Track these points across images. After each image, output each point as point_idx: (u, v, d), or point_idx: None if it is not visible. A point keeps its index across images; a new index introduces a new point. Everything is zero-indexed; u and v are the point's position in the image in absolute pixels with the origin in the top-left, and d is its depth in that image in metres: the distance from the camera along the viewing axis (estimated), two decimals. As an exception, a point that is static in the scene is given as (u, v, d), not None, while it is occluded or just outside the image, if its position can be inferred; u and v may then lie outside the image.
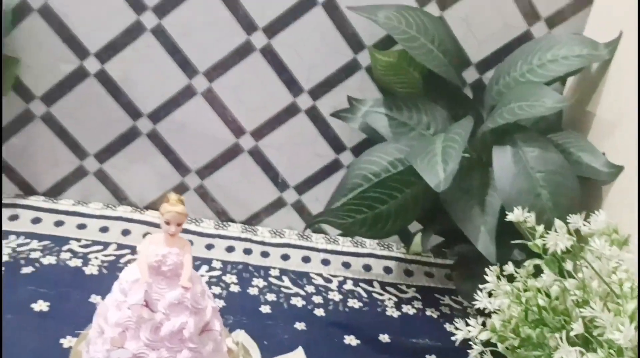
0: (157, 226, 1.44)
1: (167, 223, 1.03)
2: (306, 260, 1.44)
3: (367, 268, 1.44)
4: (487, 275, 0.92)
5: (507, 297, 0.89)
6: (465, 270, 1.31)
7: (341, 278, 1.39)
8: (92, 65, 1.38)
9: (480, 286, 0.90)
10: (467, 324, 0.90)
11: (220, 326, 1.11)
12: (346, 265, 1.44)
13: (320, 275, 1.39)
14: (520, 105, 1.12)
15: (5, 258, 1.26)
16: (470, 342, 0.91)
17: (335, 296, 1.33)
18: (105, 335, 1.02)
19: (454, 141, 1.09)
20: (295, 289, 1.33)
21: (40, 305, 1.16)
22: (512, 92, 1.19)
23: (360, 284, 1.38)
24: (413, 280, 1.43)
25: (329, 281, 1.38)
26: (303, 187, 1.51)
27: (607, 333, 0.76)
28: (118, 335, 1.01)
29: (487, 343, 0.90)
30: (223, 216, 1.53)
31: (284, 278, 1.36)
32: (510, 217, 0.90)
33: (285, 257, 1.43)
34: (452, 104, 1.31)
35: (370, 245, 1.51)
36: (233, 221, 1.53)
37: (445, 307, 1.35)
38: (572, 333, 0.81)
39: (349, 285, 1.37)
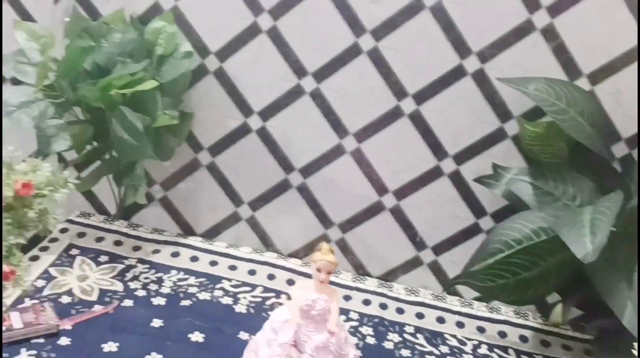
0: (299, 273, 1.53)
1: (318, 270, 1.12)
2: (441, 320, 1.46)
3: (503, 334, 1.44)
4: (633, 349, 0.92)
5: (656, 375, 0.88)
6: (607, 344, 1.28)
7: (476, 342, 1.40)
8: (254, 122, 1.53)
9: (628, 360, 0.90)
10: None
11: (359, 374, 1.17)
12: (481, 330, 1.45)
13: (454, 336, 1.41)
14: (674, 182, 1.12)
15: (167, 290, 1.40)
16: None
17: (469, 359, 1.35)
18: (256, 370, 1.11)
19: (603, 214, 1.10)
20: (430, 348, 1.36)
21: (197, 336, 1.28)
22: (665, 168, 1.18)
23: (495, 350, 1.39)
24: (550, 352, 1.40)
25: (464, 343, 1.39)
26: (440, 248, 1.55)
27: None
28: (268, 370, 1.09)
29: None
30: (360, 270, 1.60)
31: (419, 336, 1.40)
32: (663, 294, 0.89)
33: (420, 315, 1.47)
34: (599, 177, 1.32)
35: (506, 312, 1.51)
36: (370, 275, 1.60)
37: (582, 382, 1.32)
38: None
39: (483, 350, 1.38)
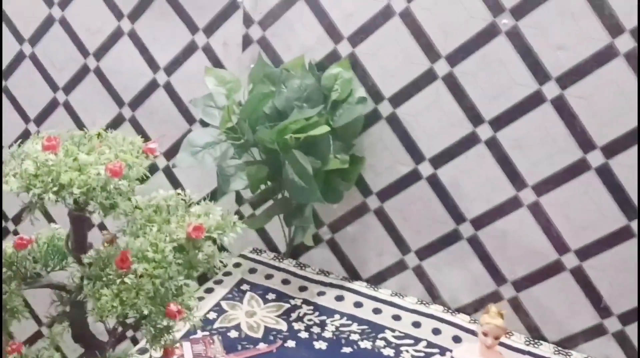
0: (466, 330, 1.45)
1: (485, 334, 1.05)
2: (626, 399, 1.30)
3: None
4: None
5: None
6: None
7: None
8: (425, 169, 1.49)
9: None
10: None
11: None
12: (675, 417, 1.26)
13: (641, 421, 1.25)
14: None
15: (329, 335, 1.40)
16: None
17: None
18: None
19: None
20: None
21: (356, 387, 1.26)
22: None
23: None
24: None
25: None
26: (628, 317, 1.38)
27: None
28: None
29: None
30: (535, 333, 1.48)
31: (599, 415, 1.25)
32: None
33: (601, 391, 1.32)
34: None
35: None
36: (545, 339, 1.47)
37: None
38: None
39: None
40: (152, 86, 1.74)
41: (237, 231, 0.86)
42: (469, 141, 1.43)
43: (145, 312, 0.86)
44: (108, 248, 0.82)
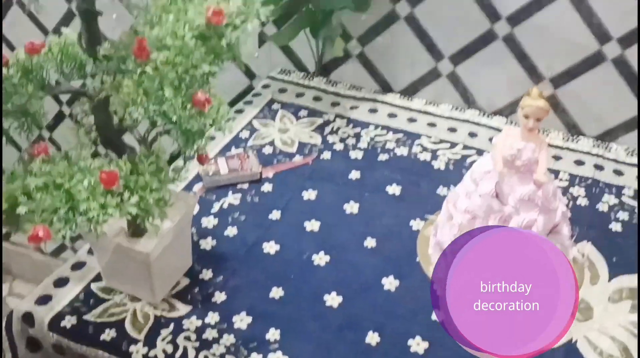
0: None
1: (526, 117, 1.01)
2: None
3: None
4: None
5: None
6: None
7: None
8: (456, -34, 1.39)
9: None
10: None
11: (568, 232, 1.07)
12: None
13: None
14: None
15: (364, 145, 1.38)
16: None
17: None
18: (454, 221, 1.06)
19: None
20: (652, 213, 1.21)
21: (394, 189, 1.26)
22: None
23: None
24: None
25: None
26: (675, 103, 1.33)
27: None
28: (466, 222, 1.04)
29: None
30: (573, 130, 1.44)
31: (642, 198, 1.24)
32: None
33: (642, 178, 1.30)
34: None
35: None
36: (583, 134, 1.43)
37: None
38: None
39: None
40: None
41: (260, 18, 0.80)
42: None
43: (174, 118, 0.83)
44: (124, 37, 0.77)
